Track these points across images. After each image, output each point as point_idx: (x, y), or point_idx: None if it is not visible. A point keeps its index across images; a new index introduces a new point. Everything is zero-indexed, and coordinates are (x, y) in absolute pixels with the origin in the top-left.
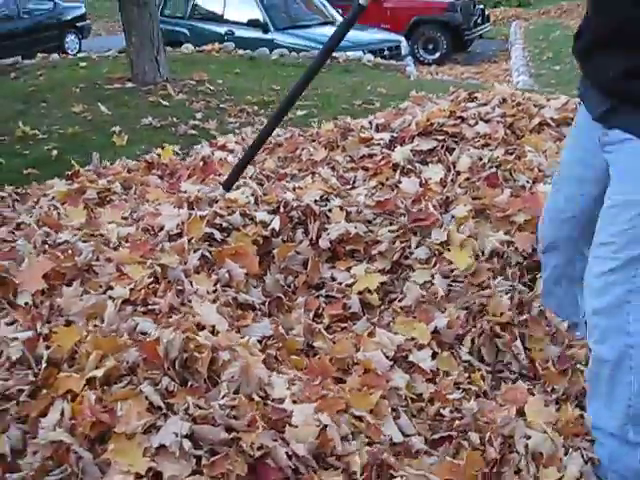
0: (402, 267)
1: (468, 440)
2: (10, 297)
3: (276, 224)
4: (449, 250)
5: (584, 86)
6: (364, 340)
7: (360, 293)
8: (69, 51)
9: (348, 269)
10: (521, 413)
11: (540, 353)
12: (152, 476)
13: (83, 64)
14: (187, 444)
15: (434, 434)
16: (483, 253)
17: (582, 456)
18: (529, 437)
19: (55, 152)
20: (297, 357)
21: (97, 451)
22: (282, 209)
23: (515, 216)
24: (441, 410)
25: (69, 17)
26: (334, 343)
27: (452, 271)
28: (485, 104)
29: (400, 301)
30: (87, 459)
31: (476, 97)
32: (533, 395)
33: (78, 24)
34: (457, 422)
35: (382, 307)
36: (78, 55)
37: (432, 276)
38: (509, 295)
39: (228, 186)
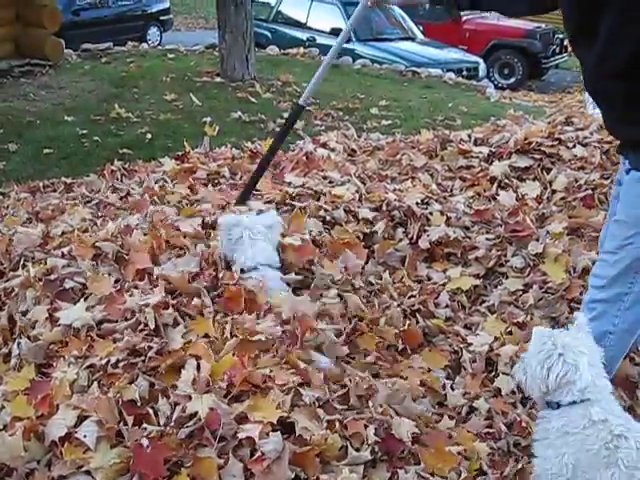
0: (496, 274)
1: None
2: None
3: (381, 226)
4: (544, 263)
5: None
6: None
7: (454, 293)
8: (150, 43)
9: (444, 270)
10: None
11: None
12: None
13: (171, 56)
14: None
15: None
16: (575, 270)
17: None
18: None
19: (149, 135)
20: None
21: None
22: (384, 208)
23: None
24: None
25: (154, 10)
26: None
27: (545, 283)
28: (582, 129)
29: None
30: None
31: (572, 121)
32: None
33: (161, 17)
34: None
35: (472, 308)
36: (165, 47)
37: (525, 285)
38: None
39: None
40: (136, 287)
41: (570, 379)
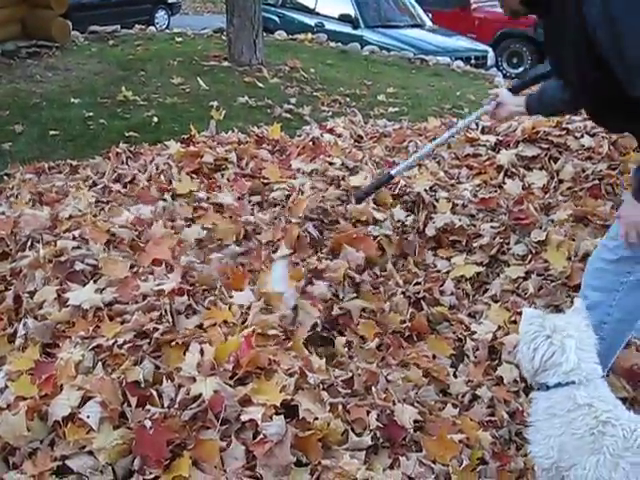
0: (499, 262)
1: None
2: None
3: (409, 220)
4: (546, 250)
5: None
6: None
7: (458, 281)
8: (157, 26)
9: (449, 258)
10: None
11: None
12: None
13: (179, 39)
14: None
15: None
16: (577, 255)
17: None
18: None
19: (155, 119)
20: None
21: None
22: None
23: None
24: None
25: None
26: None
27: (546, 270)
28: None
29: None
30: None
31: (581, 111)
32: None
33: (169, 1)
34: None
35: (476, 296)
36: (173, 30)
37: (526, 272)
38: None
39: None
40: (152, 273)
41: (556, 361)
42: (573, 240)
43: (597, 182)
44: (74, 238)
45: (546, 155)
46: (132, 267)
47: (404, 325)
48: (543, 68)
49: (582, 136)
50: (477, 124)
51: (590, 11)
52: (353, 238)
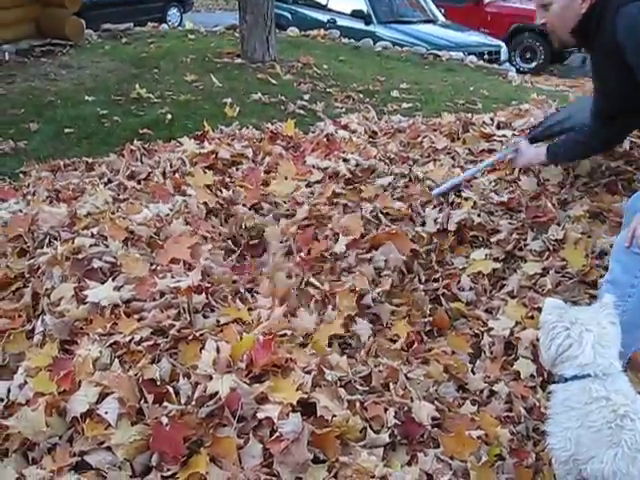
0: (515, 257)
1: None
2: None
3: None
4: (564, 248)
5: None
6: None
7: (475, 277)
8: (170, 24)
9: (467, 254)
10: None
11: None
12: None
13: (191, 36)
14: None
15: None
16: (593, 252)
17: None
18: None
19: (169, 116)
20: None
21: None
22: None
23: None
24: None
25: None
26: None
27: (564, 268)
28: None
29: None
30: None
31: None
32: None
33: None
34: None
35: (493, 292)
36: (186, 28)
37: (543, 269)
38: None
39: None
40: (170, 270)
41: (572, 353)
42: (589, 237)
43: (613, 178)
44: (92, 235)
45: None
46: (151, 265)
47: (425, 320)
48: (559, 116)
49: None
50: (492, 119)
51: (624, 42)
52: (392, 234)
